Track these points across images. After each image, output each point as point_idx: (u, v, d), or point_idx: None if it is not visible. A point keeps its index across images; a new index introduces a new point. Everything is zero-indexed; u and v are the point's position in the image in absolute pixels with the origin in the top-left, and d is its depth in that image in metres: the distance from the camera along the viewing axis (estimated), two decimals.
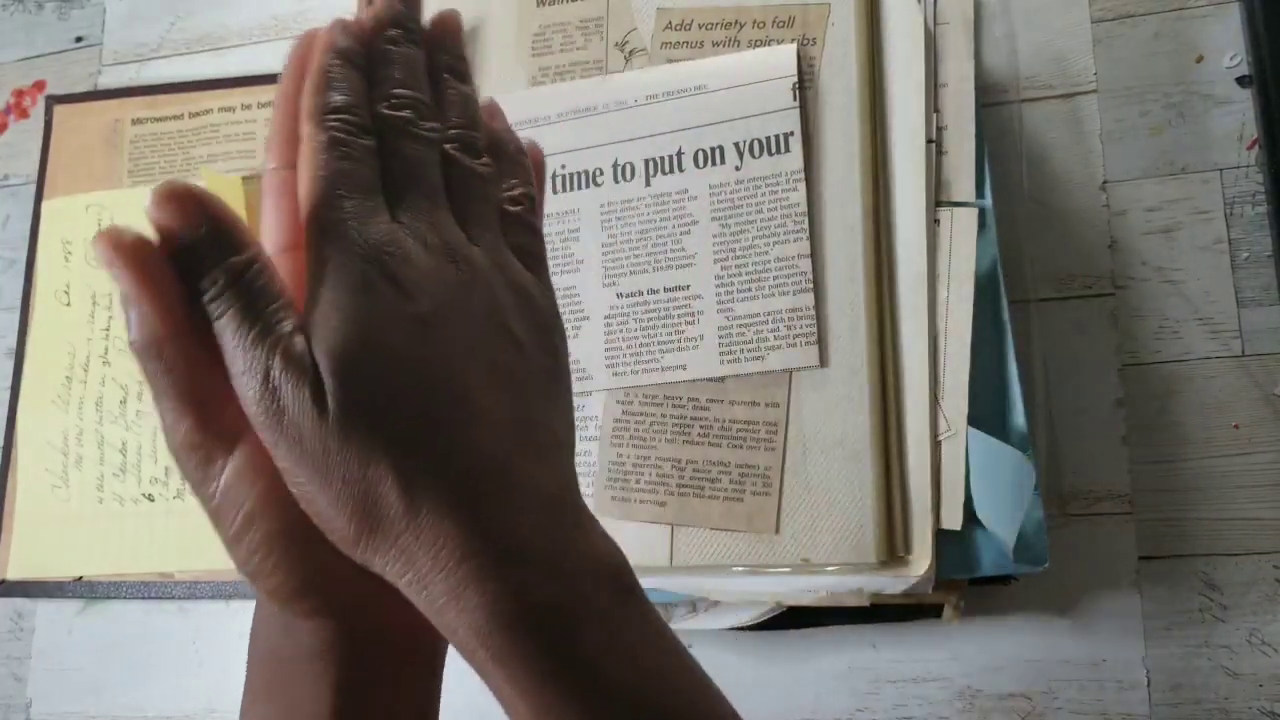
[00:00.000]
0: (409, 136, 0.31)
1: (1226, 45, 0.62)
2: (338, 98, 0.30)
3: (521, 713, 0.29)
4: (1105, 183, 0.62)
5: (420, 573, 0.28)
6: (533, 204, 0.35)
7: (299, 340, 0.27)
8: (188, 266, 0.27)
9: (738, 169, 0.56)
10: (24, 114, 0.84)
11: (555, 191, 0.59)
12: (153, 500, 0.71)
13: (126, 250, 0.26)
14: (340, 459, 0.27)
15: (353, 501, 0.28)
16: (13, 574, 0.73)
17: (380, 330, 0.28)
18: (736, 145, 0.56)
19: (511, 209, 0.34)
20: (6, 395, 0.77)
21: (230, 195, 0.73)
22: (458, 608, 0.28)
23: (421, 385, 0.28)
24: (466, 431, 0.29)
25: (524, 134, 0.36)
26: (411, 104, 0.31)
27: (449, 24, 0.35)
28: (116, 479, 0.72)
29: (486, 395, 0.29)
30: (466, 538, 0.28)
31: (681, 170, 0.57)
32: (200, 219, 0.27)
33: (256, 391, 0.27)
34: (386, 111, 0.31)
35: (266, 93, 0.77)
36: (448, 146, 0.32)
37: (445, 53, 0.34)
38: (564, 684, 0.29)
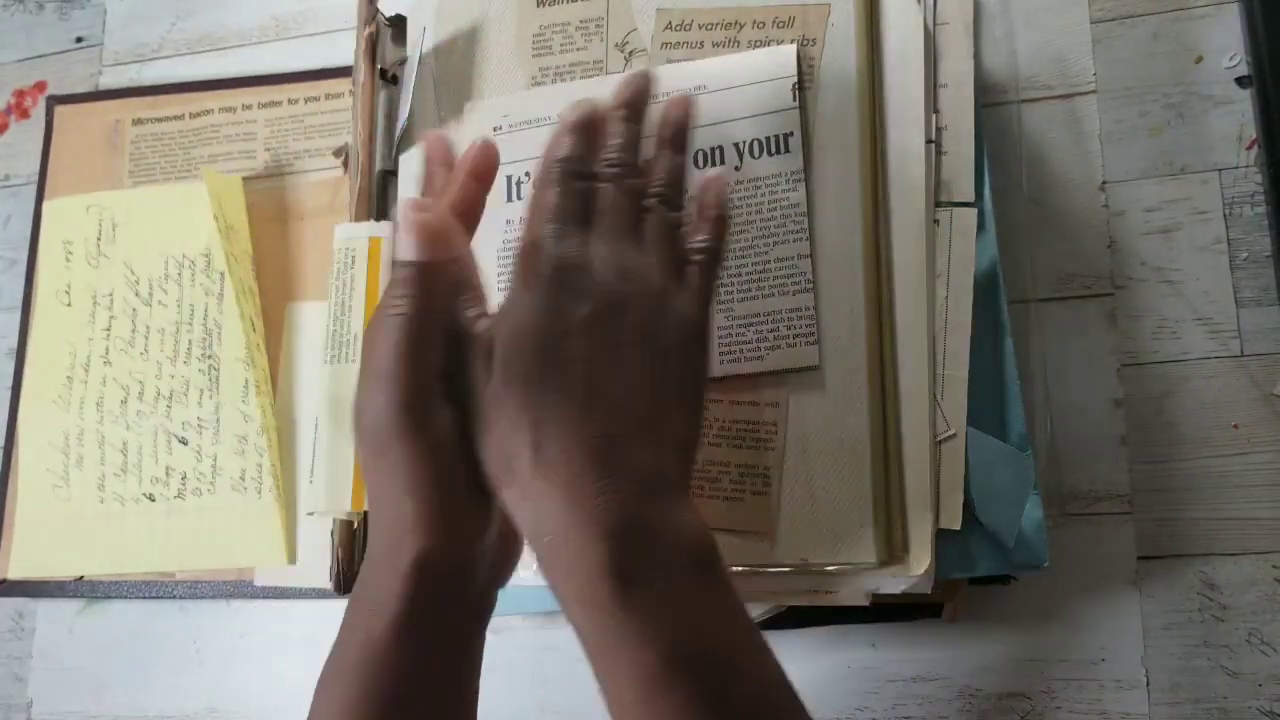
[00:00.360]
0: (616, 186, 0.42)
1: (1226, 46, 0.62)
2: (565, 150, 0.42)
3: (591, 645, 0.37)
4: (1104, 183, 0.62)
5: (536, 514, 0.37)
6: (716, 257, 0.45)
7: (483, 322, 0.41)
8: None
9: (737, 169, 0.56)
10: (25, 114, 0.85)
11: None
12: (153, 500, 0.71)
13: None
14: (495, 414, 0.38)
15: (501, 446, 0.37)
16: (13, 573, 0.73)
17: (545, 325, 0.38)
18: (736, 145, 0.56)
19: (695, 258, 0.44)
20: (7, 395, 0.77)
21: (230, 195, 0.74)
22: (557, 551, 0.36)
23: (565, 371, 0.37)
24: (593, 414, 0.37)
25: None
26: (621, 163, 0.42)
27: (679, 107, 0.47)
28: (117, 479, 0.72)
29: (618, 388, 0.38)
30: (570, 495, 0.36)
31: None
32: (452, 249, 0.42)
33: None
34: (602, 168, 0.42)
35: (267, 93, 0.77)
36: (650, 199, 0.43)
37: (670, 127, 0.46)
38: (631, 625, 0.35)
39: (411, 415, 0.39)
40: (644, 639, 0.35)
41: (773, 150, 0.56)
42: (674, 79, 0.58)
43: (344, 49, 0.72)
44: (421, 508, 0.39)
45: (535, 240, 0.40)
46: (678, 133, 0.46)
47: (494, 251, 0.59)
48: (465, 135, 0.62)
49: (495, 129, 0.61)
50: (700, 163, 0.57)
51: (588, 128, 0.43)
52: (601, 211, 0.41)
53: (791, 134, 0.56)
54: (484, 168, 0.47)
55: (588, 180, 0.41)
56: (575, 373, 0.37)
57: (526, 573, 0.55)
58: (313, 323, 0.71)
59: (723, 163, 0.56)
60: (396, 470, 0.39)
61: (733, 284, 0.55)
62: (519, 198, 0.59)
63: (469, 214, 0.46)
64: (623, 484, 0.36)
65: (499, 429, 0.37)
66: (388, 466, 0.40)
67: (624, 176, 0.42)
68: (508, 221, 0.59)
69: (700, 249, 0.44)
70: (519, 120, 0.60)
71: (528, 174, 0.59)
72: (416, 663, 0.40)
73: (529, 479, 0.36)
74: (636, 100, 0.45)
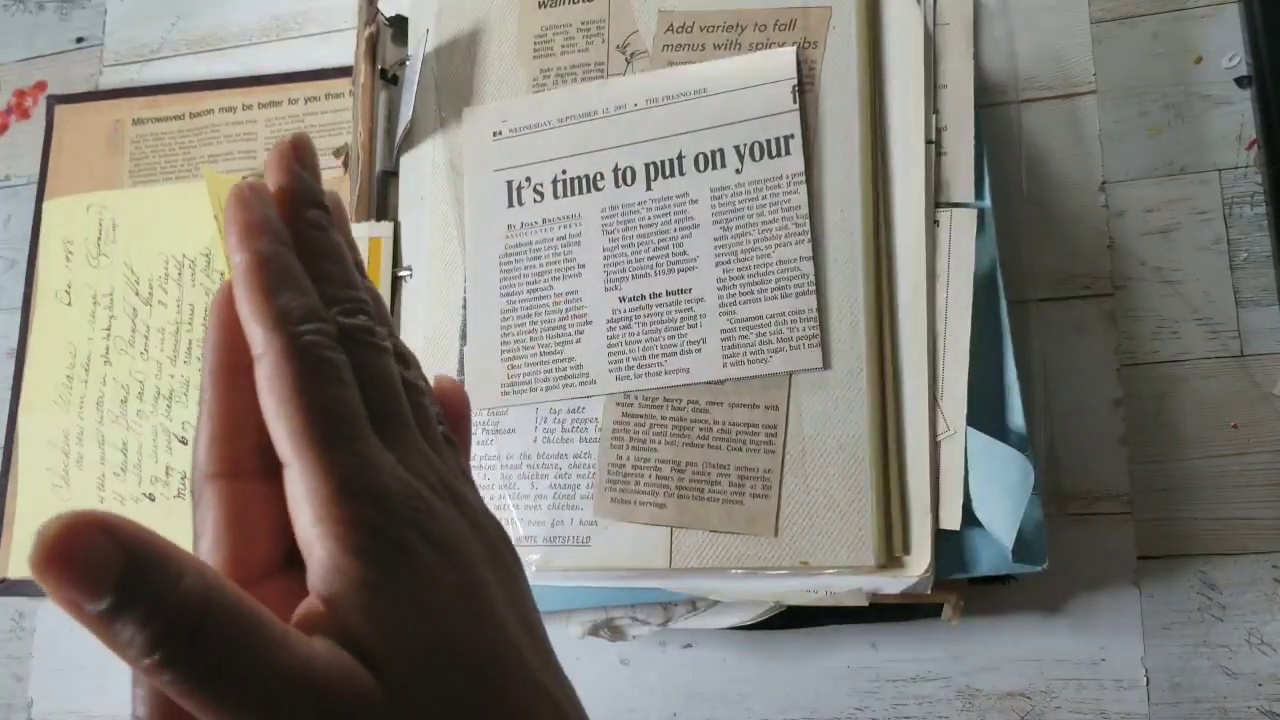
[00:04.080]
0: (373, 349, 0.25)
1: (1225, 46, 0.62)
2: (297, 301, 0.24)
3: None
4: (1104, 183, 0.62)
5: None
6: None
7: (324, 655, 0.21)
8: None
9: (738, 172, 0.56)
10: (25, 114, 0.85)
11: (556, 197, 0.59)
12: (153, 500, 0.71)
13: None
14: None
15: None
16: (14, 573, 0.73)
17: (436, 614, 0.23)
18: (737, 148, 0.56)
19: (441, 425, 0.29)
20: (8, 395, 0.77)
21: None
22: None
23: (479, 675, 0.24)
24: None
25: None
26: (362, 307, 0.26)
27: (337, 202, 0.28)
28: (117, 478, 0.72)
29: (530, 660, 0.25)
30: None
31: (682, 174, 0.57)
32: (120, 557, 0.19)
33: None
34: (344, 321, 0.25)
35: (267, 93, 0.77)
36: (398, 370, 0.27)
37: (350, 243, 0.28)
38: None
39: None
40: None
41: (773, 153, 0.56)
42: (674, 83, 0.58)
43: (344, 49, 0.72)
44: None
45: (344, 471, 0.23)
46: (350, 239, 0.28)
47: (495, 257, 0.59)
48: (464, 138, 0.62)
49: (495, 134, 0.61)
50: (701, 165, 0.57)
51: (286, 238, 0.25)
52: (377, 396, 0.25)
53: (792, 136, 0.56)
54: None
55: (339, 349, 0.24)
56: (486, 674, 0.24)
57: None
58: None
59: (724, 165, 0.56)
60: None
61: (735, 287, 0.55)
62: (519, 203, 0.59)
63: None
64: None
65: None
66: None
67: (373, 328, 0.26)
68: (509, 226, 0.59)
69: (440, 413, 0.29)
70: (518, 125, 0.60)
71: (528, 179, 0.60)
72: None
73: None
74: (318, 185, 0.27)
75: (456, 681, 0.23)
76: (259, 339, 0.23)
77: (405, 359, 0.27)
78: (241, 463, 0.24)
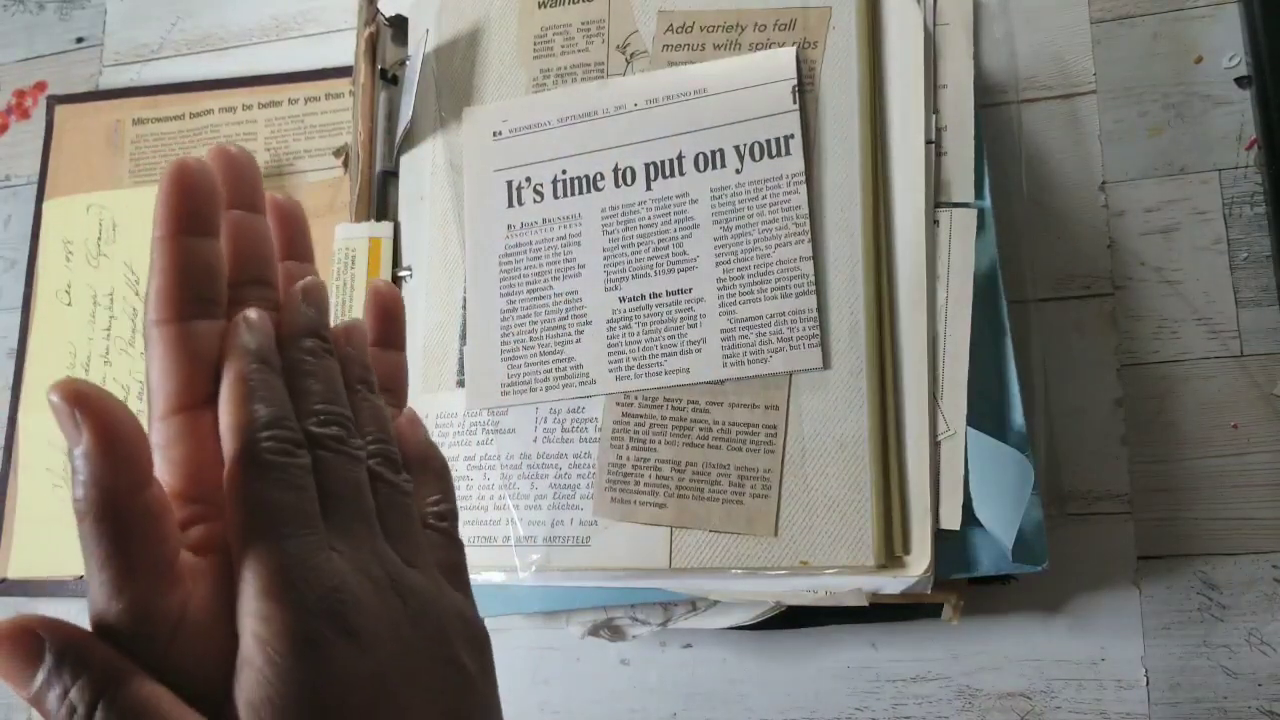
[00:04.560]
0: (342, 455, 0.28)
1: (1225, 46, 0.62)
2: (264, 410, 0.27)
3: None
4: (1104, 183, 0.62)
5: None
6: (455, 518, 0.33)
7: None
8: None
9: (738, 172, 0.56)
10: (25, 114, 0.85)
11: (556, 197, 0.59)
12: None
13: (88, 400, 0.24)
14: None
15: None
16: (14, 573, 0.73)
17: (340, 699, 0.25)
18: (737, 148, 0.56)
19: (437, 524, 0.32)
20: (8, 395, 0.77)
21: None
22: None
23: None
24: None
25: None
26: (339, 420, 0.29)
27: (356, 334, 0.32)
28: None
29: None
30: None
31: (682, 174, 0.57)
32: (42, 652, 0.24)
33: None
34: (316, 430, 0.28)
35: (267, 93, 0.77)
36: (371, 463, 0.30)
37: (356, 364, 0.32)
38: None
39: None
40: None
41: (773, 153, 0.56)
42: (674, 83, 0.58)
43: (344, 49, 0.72)
44: None
45: (272, 568, 0.25)
46: (364, 364, 0.32)
47: (495, 256, 0.59)
48: (464, 138, 0.62)
49: (495, 134, 0.61)
50: (701, 165, 0.57)
51: (270, 357, 0.29)
52: (336, 496, 0.28)
53: (792, 136, 0.56)
54: (186, 207, 0.28)
55: (303, 446, 0.28)
56: None
57: (526, 573, 0.56)
58: None
59: (724, 165, 0.56)
60: None
61: (735, 286, 0.55)
62: (519, 203, 0.59)
63: (193, 290, 0.28)
64: None
65: None
66: None
67: (346, 439, 0.29)
68: (509, 226, 0.59)
69: (438, 513, 0.33)
70: (518, 125, 0.60)
71: (528, 179, 0.60)
72: None
73: None
74: (323, 319, 0.31)
75: None
76: (226, 444, 0.27)
77: (394, 463, 0.31)
78: (184, 309, 0.28)
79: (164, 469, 0.27)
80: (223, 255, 0.29)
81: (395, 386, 0.35)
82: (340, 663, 0.25)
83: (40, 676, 0.24)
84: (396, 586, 0.28)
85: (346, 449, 0.29)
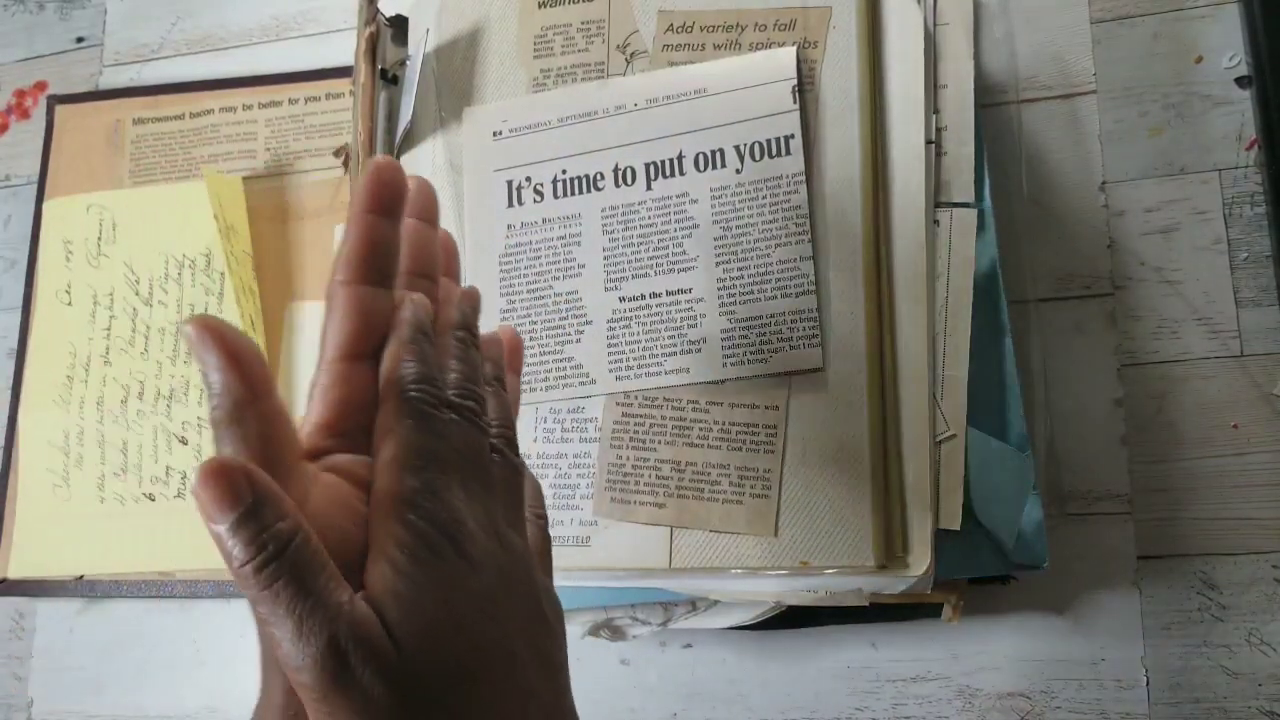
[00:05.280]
0: (475, 426, 0.34)
1: (1225, 46, 0.62)
2: (421, 369, 0.33)
3: None
4: (1104, 183, 0.62)
5: None
6: (548, 521, 0.40)
7: (361, 607, 0.28)
8: (236, 535, 0.27)
9: (738, 172, 0.56)
10: (25, 114, 0.85)
11: (556, 196, 0.59)
12: (153, 500, 0.71)
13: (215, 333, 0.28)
14: None
15: None
16: (14, 573, 0.73)
17: (451, 602, 0.30)
18: (737, 148, 0.56)
19: (535, 519, 0.38)
20: (8, 395, 0.77)
21: (230, 195, 0.74)
22: None
23: (486, 665, 0.30)
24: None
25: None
26: (475, 398, 0.34)
27: (493, 344, 0.39)
28: (117, 478, 0.72)
29: (532, 678, 0.32)
30: None
31: (682, 174, 0.57)
32: (249, 493, 0.27)
33: (315, 657, 0.27)
34: (456, 400, 0.34)
35: (267, 93, 0.77)
36: (494, 441, 0.35)
37: (491, 363, 0.38)
38: None
39: None
40: None
41: (773, 153, 0.56)
42: (674, 83, 0.58)
43: (344, 49, 0.72)
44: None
45: (413, 490, 0.30)
46: (501, 368, 0.39)
47: (495, 256, 0.59)
48: (465, 138, 0.62)
49: (495, 134, 0.61)
50: (701, 165, 0.57)
51: (430, 333, 0.35)
52: (464, 456, 0.33)
53: (792, 136, 0.56)
54: (383, 195, 0.34)
55: (447, 406, 0.33)
56: (492, 666, 0.31)
57: None
58: (313, 323, 0.71)
59: (724, 165, 0.56)
60: None
61: (735, 286, 0.55)
62: (519, 203, 0.59)
63: (376, 262, 0.34)
64: None
65: None
66: None
67: (480, 414, 0.34)
68: (509, 226, 0.59)
69: (536, 511, 0.39)
70: (518, 125, 0.60)
71: (528, 179, 0.60)
72: None
73: None
74: (474, 319, 0.38)
75: (458, 656, 0.29)
76: (385, 390, 0.33)
77: (513, 446, 0.36)
78: (367, 274, 0.34)
79: (321, 405, 0.33)
80: (400, 241, 0.35)
81: (445, 262, 0.40)
82: (457, 574, 0.30)
83: (236, 514, 0.27)
84: (501, 539, 0.33)
85: (479, 421, 0.34)
